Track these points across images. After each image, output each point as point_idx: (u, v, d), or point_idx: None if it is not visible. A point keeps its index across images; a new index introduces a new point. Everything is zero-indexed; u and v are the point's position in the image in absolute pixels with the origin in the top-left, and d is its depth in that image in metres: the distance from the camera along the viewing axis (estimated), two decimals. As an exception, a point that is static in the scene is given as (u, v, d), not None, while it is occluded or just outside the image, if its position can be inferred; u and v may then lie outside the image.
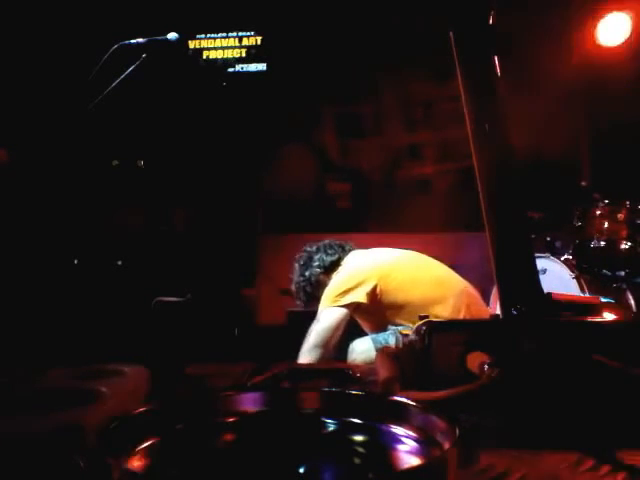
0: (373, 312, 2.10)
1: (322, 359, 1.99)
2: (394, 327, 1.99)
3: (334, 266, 2.22)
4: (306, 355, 2.00)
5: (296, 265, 2.31)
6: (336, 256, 2.25)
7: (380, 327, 2.10)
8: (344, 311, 2.04)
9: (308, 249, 2.31)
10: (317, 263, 2.23)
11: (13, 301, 2.53)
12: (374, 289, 2.07)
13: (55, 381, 0.90)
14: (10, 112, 3.15)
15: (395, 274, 2.12)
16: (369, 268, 2.14)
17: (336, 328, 2.02)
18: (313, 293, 2.23)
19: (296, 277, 2.30)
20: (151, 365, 1.00)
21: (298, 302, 2.35)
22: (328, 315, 2.04)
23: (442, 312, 1.98)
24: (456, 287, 2.14)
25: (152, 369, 0.97)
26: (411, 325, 1.63)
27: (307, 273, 2.24)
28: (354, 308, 2.07)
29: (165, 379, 0.97)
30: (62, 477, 0.61)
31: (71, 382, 0.88)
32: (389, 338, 1.95)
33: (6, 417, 0.73)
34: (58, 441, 0.64)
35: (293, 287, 2.32)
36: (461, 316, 2.01)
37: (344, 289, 2.07)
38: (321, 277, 2.23)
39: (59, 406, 0.76)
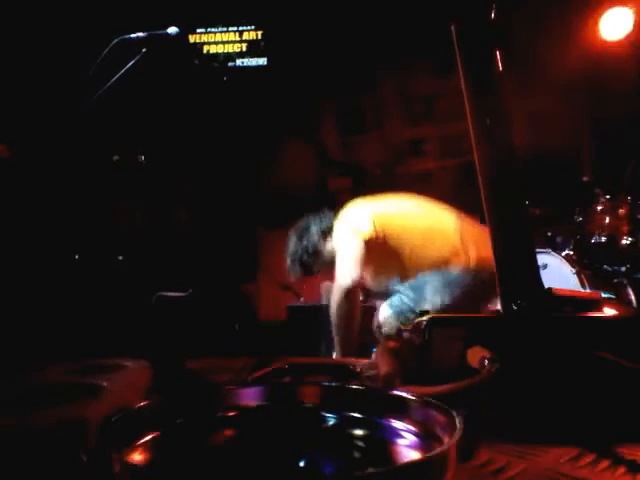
0: (386, 259, 2.07)
1: (357, 282, 1.97)
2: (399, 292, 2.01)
3: (330, 230, 2.21)
4: (345, 277, 1.98)
5: (292, 237, 2.30)
6: (331, 220, 2.23)
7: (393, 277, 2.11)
8: (362, 244, 2.01)
9: (302, 222, 2.31)
10: (315, 228, 2.23)
11: (14, 296, 2.54)
12: (383, 235, 2.05)
13: (56, 376, 0.91)
14: (11, 108, 3.15)
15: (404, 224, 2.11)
16: (375, 214, 2.12)
17: (361, 253, 1.99)
18: (310, 263, 2.22)
19: (293, 248, 2.28)
20: (152, 359, 1.00)
21: (293, 276, 2.34)
22: (348, 244, 2.02)
23: (457, 260, 2.00)
24: (461, 228, 2.13)
25: (153, 363, 0.97)
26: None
27: (305, 242, 2.24)
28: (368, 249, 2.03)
29: (166, 373, 0.97)
30: (65, 471, 0.61)
31: (72, 377, 0.89)
32: (398, 303, 1.99)
33: (7, 412, 0.74)
34: (60, 435, 0.65)
35: (289, 260, 2.31)
36: (471, 255, 2.00)
37: (353, 228, 2.06)
38: (319, 244, 2.21)
39: (61, 401, 0.76)
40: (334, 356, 2.07)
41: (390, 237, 2.06)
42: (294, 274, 2.31)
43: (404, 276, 2.08)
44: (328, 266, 2.19)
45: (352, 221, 2.12)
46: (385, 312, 2.07)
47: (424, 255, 2.04)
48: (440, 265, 2.02)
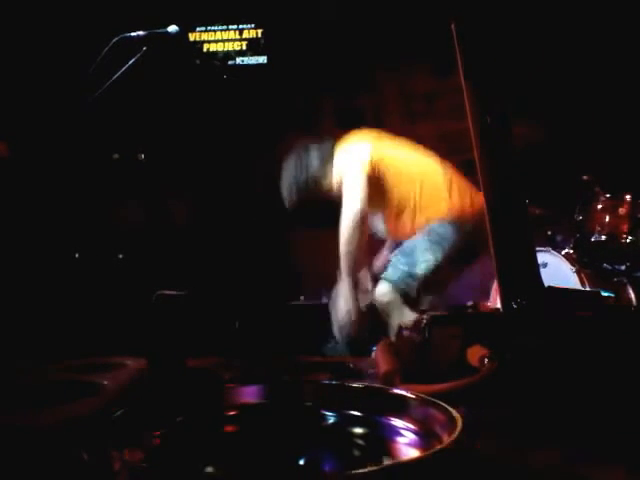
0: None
1: (366, 207, 1.93)
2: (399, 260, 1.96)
3: (331, 159, 2.13)
4: (355, 202, 1.93)
5: (290, 162, 2.20)
6: (331, 149, 2.16)
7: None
8: (365, 177, 1.97)
9: (301, 148, 2.21)
10: (315, 154, 2.15)
11: (14, 295, 2.54)
12: (379, 175, 2.01)
13: (57, 374, 0.91)
14: (11, 106, 3.14)
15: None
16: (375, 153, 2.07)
17: (366, 185, 1.95)
18: (308, 190, 2.17)
19: (291, 174, 2.19)
20: (152, 358, 1.00)
21: (289, 204, 2.28)
22: (354, 173, 1.98)
23: (444, 212, 1.98)
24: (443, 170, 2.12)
25: (153, 362, 0.98)
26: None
27: (304, 168, 2.16)
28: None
29: (166, 372, 0.97)
30: (66, 469, 0.61)
31: (73, 375, 0.89)
32: (393, 272, 1.96)
33: (9, 410, 0.74)
34: (61, 433, 0.65)
35: (285, 186, 2.22)
36: (456, 206, 2.00)
37: (356, 160, 2.01)
38: (319, 172, 2.14)
39: (61, 399, 0.77)
40: (342, 288, 1.96)
41: (386, 180, 2.04)
42: (290, 201, 2.26)
43: (398, 232, 2.04)
44: (324, 196, 2.15)
45: (354, 154, 2.07)
46: (384, 288, 2.01)
47: (418, 209, 2.01)
48: (430, 220, 2.01)
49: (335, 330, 1.97)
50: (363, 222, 1.97)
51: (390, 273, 2.01)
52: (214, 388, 0.67)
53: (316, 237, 3.71)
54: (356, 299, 1.98)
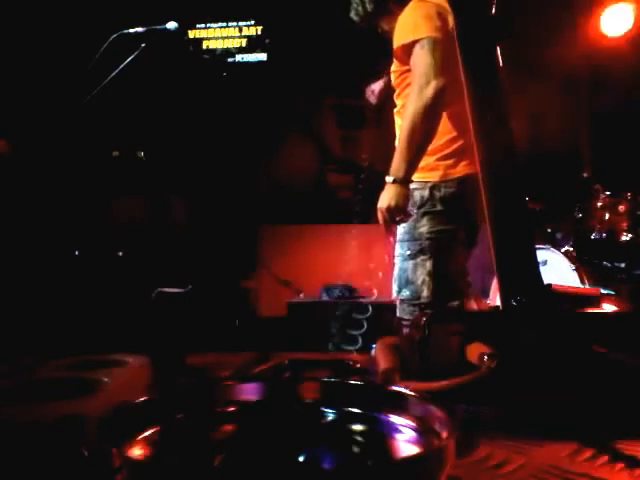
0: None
1: (443, 91, 1.56)
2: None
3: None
4: (437, 74, 1.54)
5: None
6: None
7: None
8: (440, 38, 1.59)
9: None
10: None
11: (15, 292, 2.54)
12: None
13: (57, 371, 0.91)
14: (10, 103, 3.14)
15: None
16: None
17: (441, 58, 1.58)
18: (372, 13, 1.88)
19: None
20: (152, 355, 1.00)
21: (352, 15, 2.04)
22: (429, 45, 1.59)
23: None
24: None
25: (153, 359, 0.98)
26: None
27: None
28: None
29: (166, 369, 0.97)
30: (66, 465, 0.61)
31: (73, 372, 0.89)
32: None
33: (9, 406, 0.74)
34: (61, 430, 0.65)
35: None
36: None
37: (433, 14, 1.62)
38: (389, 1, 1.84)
39: (61, 396, 0.77)
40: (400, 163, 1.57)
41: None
42: (354, 15, 2.00)
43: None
44: (384, 26, 1.91)
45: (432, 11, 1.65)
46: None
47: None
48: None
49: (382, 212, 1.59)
50: (442, 102, 1.58)
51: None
52: (212, 385, 0.67)
53: (316, 236, 3.72)
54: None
